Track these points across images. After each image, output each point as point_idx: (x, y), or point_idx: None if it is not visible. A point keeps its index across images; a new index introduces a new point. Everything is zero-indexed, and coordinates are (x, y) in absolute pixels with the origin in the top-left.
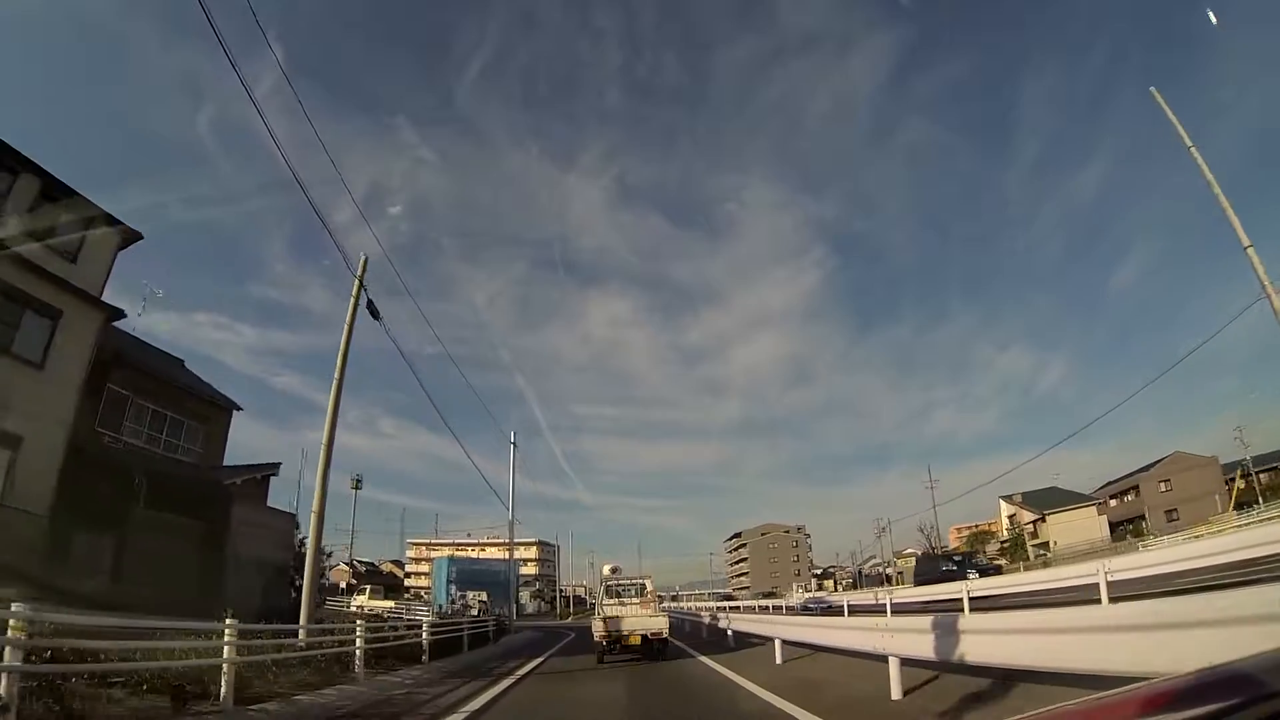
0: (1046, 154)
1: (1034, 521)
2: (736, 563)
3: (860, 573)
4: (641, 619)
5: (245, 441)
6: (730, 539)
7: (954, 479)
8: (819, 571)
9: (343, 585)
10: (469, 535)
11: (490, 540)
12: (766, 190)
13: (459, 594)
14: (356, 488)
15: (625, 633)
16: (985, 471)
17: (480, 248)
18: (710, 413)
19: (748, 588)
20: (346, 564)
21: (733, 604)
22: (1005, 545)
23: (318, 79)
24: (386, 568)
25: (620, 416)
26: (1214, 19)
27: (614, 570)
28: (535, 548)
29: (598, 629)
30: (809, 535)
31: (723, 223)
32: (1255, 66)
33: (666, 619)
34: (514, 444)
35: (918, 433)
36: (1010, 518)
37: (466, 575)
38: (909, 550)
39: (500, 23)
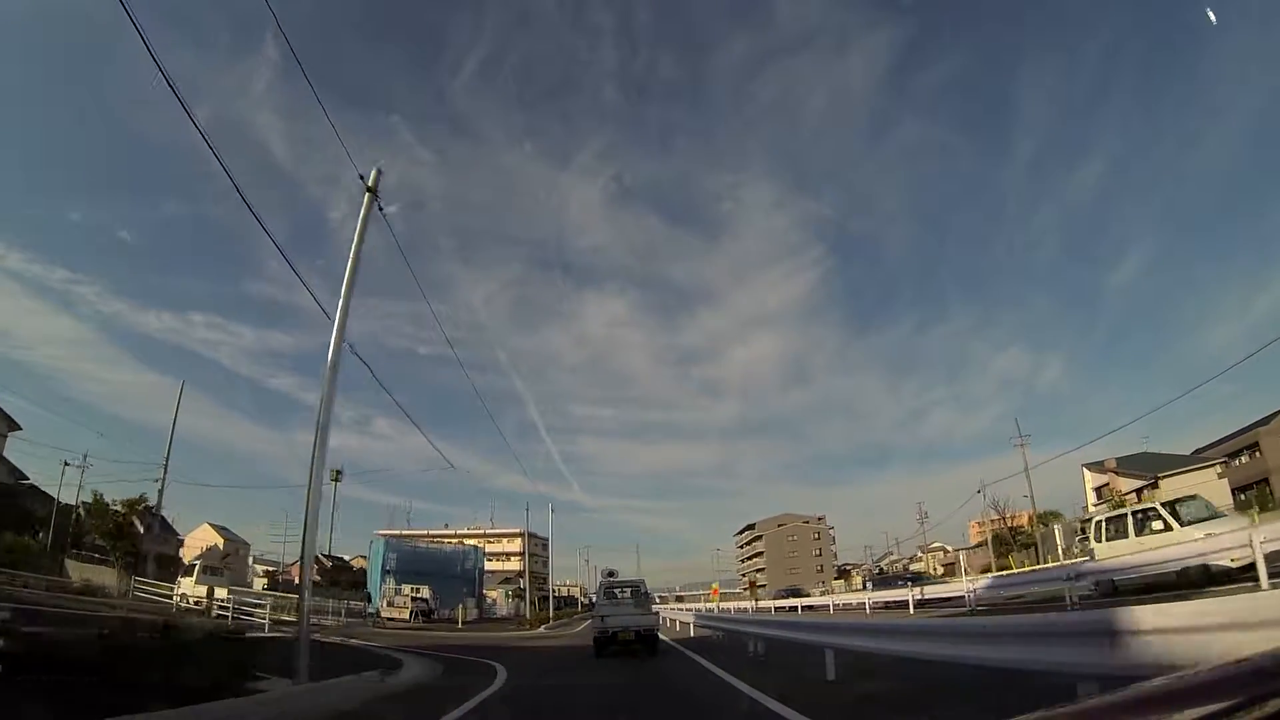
0: (1044, 152)
1: (1140, 489)
2: (750, 558)
3: (881, 570)
4: (635, 617)
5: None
6: (741, 532)
7: (952, 479)
8: (838, 567)
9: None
10: (446, 526)
11: (470, 531)
12: (763, 189)
13: (394, 588)
14: (336, 480)
15: (620, 629)
16: (984, 471)
17: (476, 247)
18: (708, 413)
19: (764, 585)
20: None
21: (799, 603)
22: (1086, 523)
23: (311, 75)
24: (358, 563)
25: (618, 417)
26: (1213, 17)
27: (611, 573)
28: (518, 539)
29: (596, 626)
30: (832, 527)
31: (720, 222)
32: (1254, 66)
33: (657, 617)
34: (370, 190)
35: (916, 433)
36: (1099, 489)
37: (409, 562)
38: (936, 545)
39: (495, 19)
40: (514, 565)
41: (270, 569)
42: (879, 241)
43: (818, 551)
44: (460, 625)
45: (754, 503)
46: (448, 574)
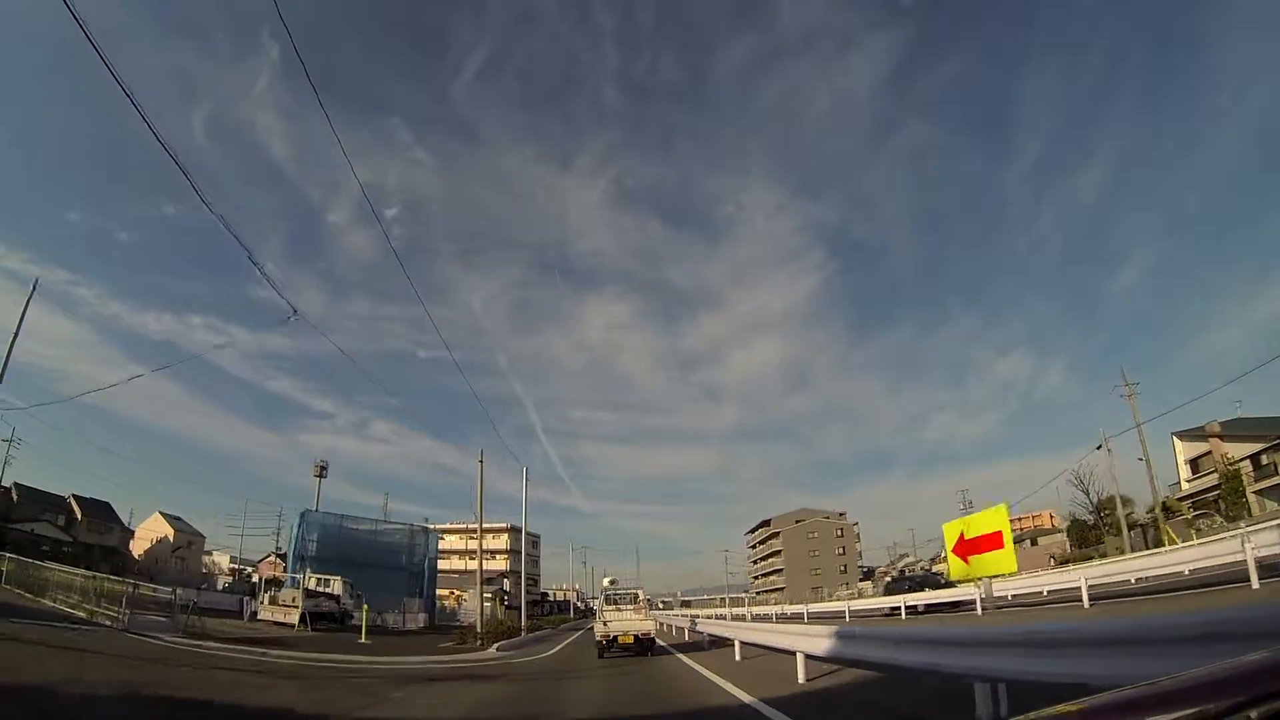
0: (1046, 156)
1: (1258, 454)
2: (765, 558)
3: (903, 573)
4: (635, 622)
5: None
6: (754, 529)
7: (951, 483)
8: (863, 569)
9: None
10: (426, 520)
11: (452, 526)
12: (765, 192)
13: (312, 578)
14: (321, 475)
15: (621, 633)
16: (986, 475)
17: (476, 251)
18: (709, 418)
19: (781, 588)
20: (277, 554)
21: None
22: (1181, 500)
23: (309, 76)
24: None
25: (618, 422)
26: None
27: (612, 581)
28: (506, 535)
29: (599, 630)
30: (856, 523)
31: (721, 225)
32: (1255, 69)
33: (655, 623)
34: None
35: (919, 436)
36: (1193, 462)
37: (334, 546)
38: None
39: (497, 20)
40: (497, 564)
41: (235, 566)
42: (881, 244)
43: (841, 550)
44: (364, 638)
45: (756, 507)
46: (389, 565)
